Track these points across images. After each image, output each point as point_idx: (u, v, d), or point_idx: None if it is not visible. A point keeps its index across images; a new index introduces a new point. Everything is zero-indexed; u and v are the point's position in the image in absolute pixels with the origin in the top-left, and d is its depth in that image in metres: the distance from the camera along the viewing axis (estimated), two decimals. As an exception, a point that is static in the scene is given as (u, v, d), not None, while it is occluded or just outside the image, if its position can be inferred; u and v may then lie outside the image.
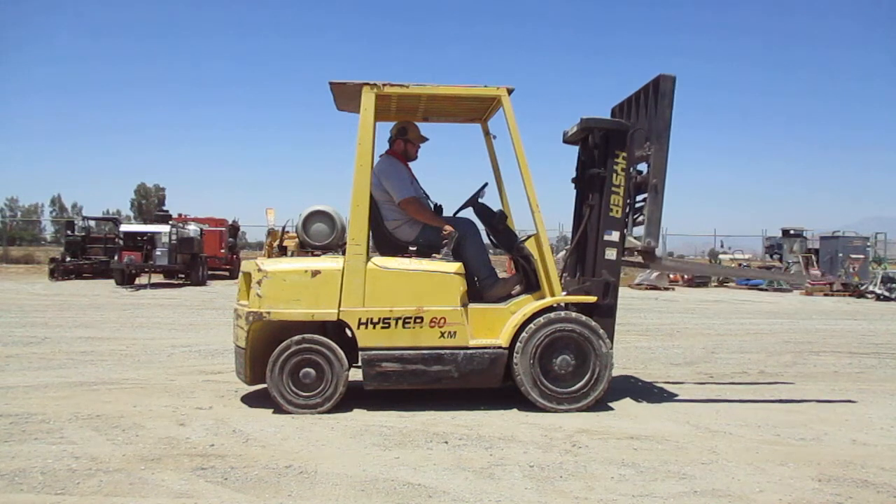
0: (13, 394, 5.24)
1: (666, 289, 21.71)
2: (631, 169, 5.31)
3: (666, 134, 5.17)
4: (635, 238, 5.49)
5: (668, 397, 5.49)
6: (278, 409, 4.72)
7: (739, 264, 26.22)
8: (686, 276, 24.80)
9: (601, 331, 4.92)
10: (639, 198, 5.54)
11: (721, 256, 28.81)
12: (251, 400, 5.13)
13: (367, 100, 4.89)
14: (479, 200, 5.40)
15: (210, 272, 21.87)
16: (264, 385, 4.82)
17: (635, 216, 5.58)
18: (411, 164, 5.52)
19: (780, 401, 5.43)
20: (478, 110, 5.64)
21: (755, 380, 6.37)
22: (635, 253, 5.53)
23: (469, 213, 5.45)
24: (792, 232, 27.86)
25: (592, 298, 5.08)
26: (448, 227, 5.11)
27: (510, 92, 5.00)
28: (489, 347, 4.84)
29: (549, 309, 4.96)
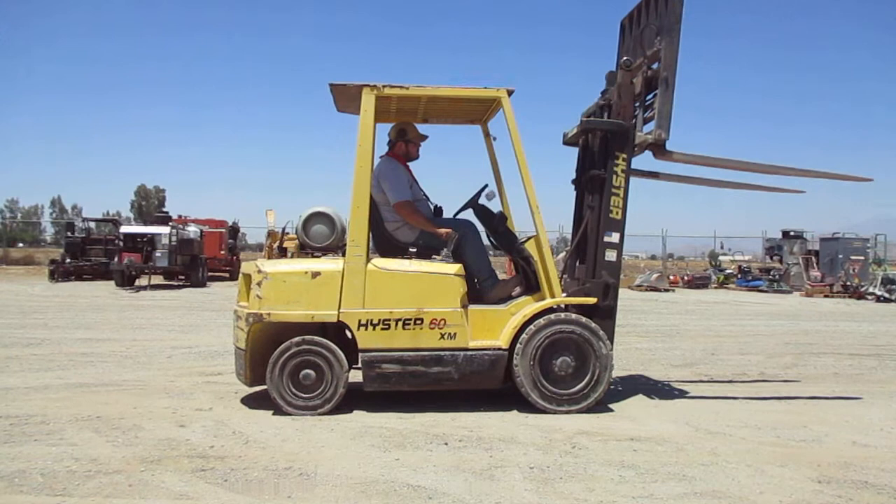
0: (13, 395, 5.24)
1: (666, 290, 21.70)
2: (644, 67, 5.29)
3: (677, 27, 5.11)
4: (646, 133, 5.34)
5: (668, 398, 5.49)
6: (278, 411, 4.72)
7: (740, 266, 26.29)
8: (686, 278, 24.81)
9: (601, 332, 4.92)
10: (649, 97, 5.46)
11: (721, 258, 28.85)
12: (251, 401, 5.12)
13: (367, 101, 4.89)
14: (479, 202, 5.40)
15: (210, 273, 21.85)
16: (264, 386, 4.82)
17: (645, 114, 5.48)
18: (414, 164, 5.53)
19: (781, 401, 5.43)
20: (478, 112, 5.64)
21: (755, 381, 6.37)
22: (645, 149, 5.37)
23: (469, 215, 5.45)
24: (792, 233, 27.93)
25: (592, 300, 5.08)
26: (441, 231, 5.10)
27: (510, 93, 5.00)
28: (489, 349, 4.84)
29: (549, 310, 4.96)
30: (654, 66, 5.30)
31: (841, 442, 4.26)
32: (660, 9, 5.24)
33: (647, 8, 5.45)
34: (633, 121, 5.37)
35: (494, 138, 5.71)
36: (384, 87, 4.91)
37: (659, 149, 5.30)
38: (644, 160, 5.52)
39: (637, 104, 5.36)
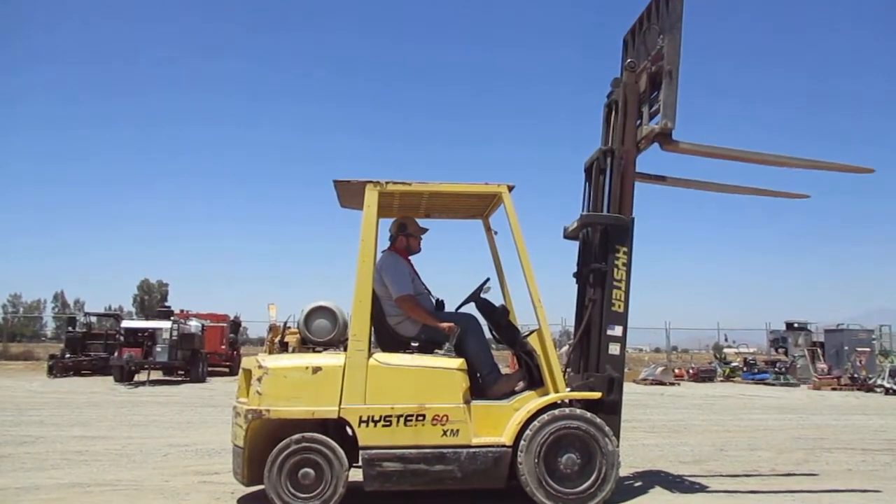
0: (3, 496, 5.09)
1: (671, 384, 21.40)
2: (648, 66, 5.42)
3: (678, 25, 5.24)
4: (653, 125, 5.35)
5: (679, 497, 5.32)
6: (275, 512, 4.57)
7: (745, 358, 26.00)
8: (691, 371, 24.50)
9: (607, 428, 4.82)
10: (654, 94, 5.52)
11: (726, 350, 28.61)
12: (248, 501, 4.98)
13: (371, 197, 4.98)
14: (481, 296, 5.40)
15: (210, 368, 21.65)
16: (262, 486, 4.69)
17: (651, 108, 5.52)
18: (416, 257, 5.57)
19: (795, 497, 5.26)
20: (479, 207, 5.72)
21: (767, 478, 6.18)
22: (652, 140, 5.37)
23: (471, 308, 5.45)
24: (796, 325, 27.77)
25: (597, 395, 5.01)
26: (444, 325, 5.08)
27: (510, 189, 5.10)
28: (492, 446, 4.73)
29: (554, 405, 4.88)
30: (658, 64, 5.44)
31: (859, 543, 4.11)
32: (661, 12, 5.44)
33: (648, 15, 5.67)
34: (639, 121, 5.50)
35: (496, 232, 5.77)
36: (387, 183, 5.01)
37: (665, 138, 5.35)
38: (651, 165, 5.61)
39: (643, 106, 5.49)
